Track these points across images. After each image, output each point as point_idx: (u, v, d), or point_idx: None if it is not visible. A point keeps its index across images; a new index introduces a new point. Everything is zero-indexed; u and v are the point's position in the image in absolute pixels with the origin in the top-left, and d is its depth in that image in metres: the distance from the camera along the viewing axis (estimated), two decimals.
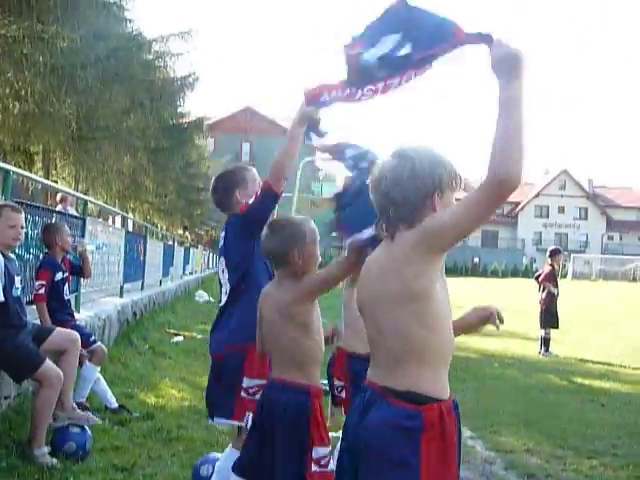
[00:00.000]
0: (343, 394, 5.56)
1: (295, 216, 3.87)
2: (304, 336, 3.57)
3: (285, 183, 4.25)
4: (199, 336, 14.18)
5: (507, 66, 2.43)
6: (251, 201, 4.32)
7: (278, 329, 3.62)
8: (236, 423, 4.22)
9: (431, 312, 2.63)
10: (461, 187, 2.76)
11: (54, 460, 5.49)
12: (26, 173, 10.08)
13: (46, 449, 5.55)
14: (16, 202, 6.73)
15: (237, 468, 3.73)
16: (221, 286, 4.54)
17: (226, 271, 4.46)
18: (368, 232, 3.09)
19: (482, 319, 3.38)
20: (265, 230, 3.72)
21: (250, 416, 3.85)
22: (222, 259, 4.53)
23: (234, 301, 4.36)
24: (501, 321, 3.33)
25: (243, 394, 4.09)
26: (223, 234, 4.56)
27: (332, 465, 3.49)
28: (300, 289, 3.55)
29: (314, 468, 3.45)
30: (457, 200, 2.64)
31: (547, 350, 14.44)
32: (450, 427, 2.64)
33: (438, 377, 2.69)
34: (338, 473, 2.88)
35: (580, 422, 8.17)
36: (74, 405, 6.26)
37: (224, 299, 4.46)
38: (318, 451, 3.47)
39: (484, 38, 2.54)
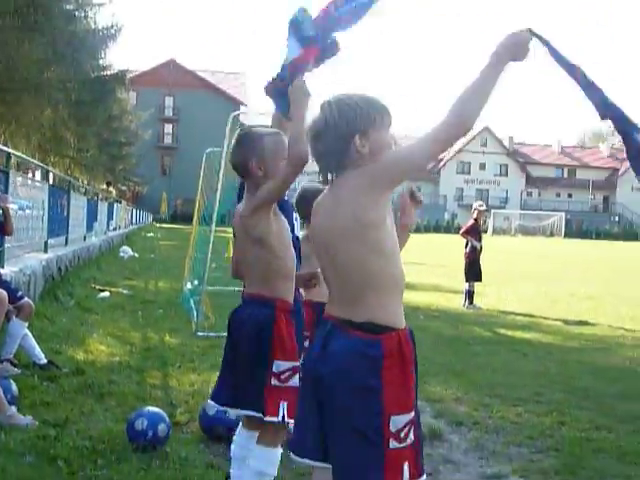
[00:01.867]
0: (307, 343, 5.53)
1: (259, 129, 3.78)
2: (263, 250, 3.54)
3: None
4: (125, 291, 14.06)
5: (511, 52, 2.68)
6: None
7: (242, 244, 3.63)
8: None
9: (383, 241, 2.71)
10: (390, 122, 2.83)
11: (29, 418, 5.43)
12: None
13: (14, 408, 5.48)
14: None
15: (215, 398, 3.74)
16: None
17: None
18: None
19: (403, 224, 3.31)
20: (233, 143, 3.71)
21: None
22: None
23: None
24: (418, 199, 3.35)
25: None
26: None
27: (295, 381, 3.49)
28: (254, 200, 3.52)
29: (273, 382, 3.46)
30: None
31: (471, 303, 14.71)
32: (408, 354, 2.73)
33: (394, 307, 2.77)
34: (299, 404, 2.93)
35: (505, 371, 8.37)
36: None
37: None
38: (279, 365, 3.47)
39: None
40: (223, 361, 3.76)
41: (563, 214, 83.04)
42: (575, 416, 6.56)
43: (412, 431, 2.71)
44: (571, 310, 14.67)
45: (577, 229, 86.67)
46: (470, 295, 14.80)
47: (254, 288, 3.62)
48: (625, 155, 2.83)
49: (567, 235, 79.00)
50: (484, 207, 15.67)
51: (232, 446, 3.90)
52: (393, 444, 2.65)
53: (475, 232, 15.17)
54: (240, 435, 3.85)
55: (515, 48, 2.67)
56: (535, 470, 5.15)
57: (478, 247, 14.94)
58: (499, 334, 11.53)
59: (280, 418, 3.48)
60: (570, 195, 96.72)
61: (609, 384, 7.95)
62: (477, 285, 15.04)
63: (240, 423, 3.95)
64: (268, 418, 3.49)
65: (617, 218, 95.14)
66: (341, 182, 2.76)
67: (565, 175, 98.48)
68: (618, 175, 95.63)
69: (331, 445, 2.73)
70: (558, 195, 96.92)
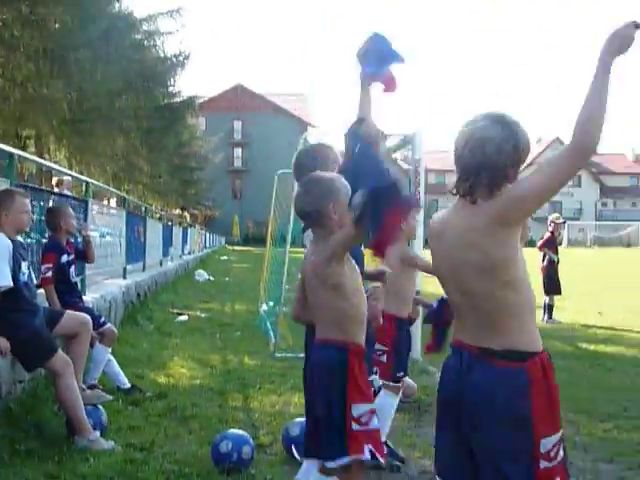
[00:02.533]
0: (384, 358, 5.47)
1: (325, 173, 3.73)
2: (339, 298, 3.50)
3: None
4: (203, 315, 14.20)
5: (620, 45, 2.55)
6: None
7: (315, 291, 3.58)
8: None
9: (514, 277, 2.68)
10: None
11: (111, 442, 5.52)
12: (31, 156, 10.01)
13: (97, 433, 5.56)
14: (20, 186, 6.69)
15: (303, 448, 3.72)
16: None
17: None
18: (358, 197, 3.18)
19: None
20: (298, 189, 3.67)
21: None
22: None
23: None
24: None
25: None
26: None
27: (375, 422, 3.47)
28: (327, 250, 3.47)
29: (355, 427, 3.40)
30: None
31: (550, 317, 14.46)
32: (551, 377, 2.72)
33: (531, 331, 2.74)
34: (438, 432, 2.93)
35: (590, 386, 8.20)
36: (83, 386, 6.27)
37: None
38: (358, 408, 3.43)
39: None
40: (305, 410, 3.74)
41: (639, 224, 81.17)
42: None
43: (561, 448, 2.73)
44: None
45: None
46: (549, 309, 14.55)
47: (326, 333, 3.56)
48: None
49: None
50: (561, 220, 15.44)
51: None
52: (544, 464, 2.66)
53: (552, 245, 14.95)
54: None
55: (620, 44, 2.54)
56: None
57: (556, 260, 14.71)
58: (581, 348, 11.31)
59: (367, 455, 3.43)
60: None
61: None
62: (556, 298, 14.79)
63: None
64: (353, 457, 3.42)
65: None
66: (476, 209, 2.71)
67: None
68: None
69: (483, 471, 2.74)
70: (634, 204, 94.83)
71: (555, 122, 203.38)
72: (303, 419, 5.18)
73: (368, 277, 4.00)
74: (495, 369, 2.66)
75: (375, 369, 5.42)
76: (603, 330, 13.37)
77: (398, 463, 5.34)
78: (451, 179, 2.88)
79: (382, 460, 3.50)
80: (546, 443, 2.66)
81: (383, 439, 5.38)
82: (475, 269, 2.68)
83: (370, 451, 3.43)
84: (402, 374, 5.55)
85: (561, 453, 2.71)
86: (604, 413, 7.01)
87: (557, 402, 2.74)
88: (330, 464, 3.47)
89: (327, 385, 3.46)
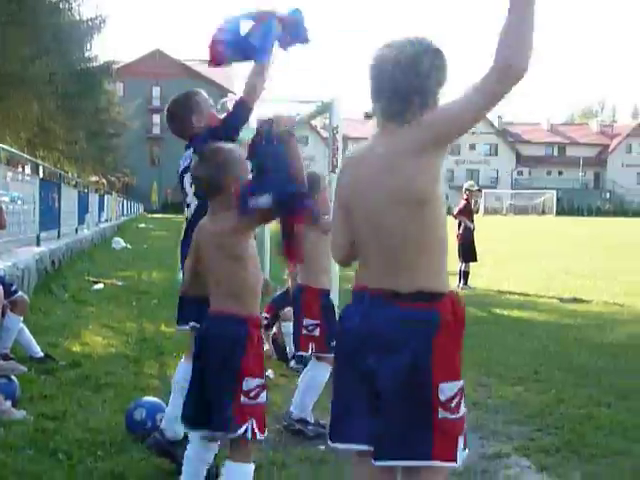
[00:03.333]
0: (317, 332, 5.47)
1: (225, 144, 3.69)
2: (240, 268, 3.46)
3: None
4: (119, 283, 14.01)
5: None
6: (222, 117, 4.54)
7: (214, 262, 3.51)
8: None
9: (433, 211, 2.60)
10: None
11: (22, 412, 5.41)
12: None
13: (8, 403, 5.44)
14: None
15: (184, 418, 3.65)
16: (188, 205, 4.52)
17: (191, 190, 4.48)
18: (264, 200, 3.22)
19: None
20: (196, 158, 3.62)
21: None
22: (185, 184, 4.55)
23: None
24: None
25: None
26: (184, 158, 4.62)
27: (263, 397, 3.46)
28: (233, 221, 3.41)
29: (243, 400, 3.38)
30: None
31: (466, 283, 14.72)
32: (461, 316, 2.66)
33: (443, 270, 2.67)
34: (337, 387, 2.85)
35: (502, 351, 8.38)
36: None
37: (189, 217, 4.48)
38: (248, 382, 3.40)
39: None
40: (192, 380, 3.63)
41: (554, 192, 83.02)
42: (575, 393, 6.56)
43: (463, 404, 2.65)
44: (566, 288, 14.68)
45: (568, 207, 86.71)
46: (465, 276, 14.80)
47: (225, 306, 3.50)
48: None
49: (559, 213, 79.04)
50: (475, 187, 15.67)
51: (186, 454, 3.84)
52: (443, 414, 2.58)
53: (468, 212, 15.17)
54: (194, 447, 3.81)
55: None
56: (536, 448, 5.14)
57: (472, 227, 14.94)
58: (495, 314, 11.54)
59: (248, 433, 3.40)
60: (561, 173, 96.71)
61: (607, 360, 7.96)
62: (472, 266, 15.05)
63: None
64: (237, 433, 3.40)
65: (608, 195, 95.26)
66: (400, 132, 2.62)
67: (555, 153, 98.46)
68: (608, 152, 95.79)
69: (383, 419, 2.63)
70: (549, 173, 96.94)
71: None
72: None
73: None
74: (400, 309, 2.58)
75: (310, 345, 5.44)
76: (516, 296, 13.67)
77: (323, 430, 5.39)
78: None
79: (262, 436, 3.46)
80: (444, 389, 2.58)
81: (310, 408, 5.43)
82: (391, 197, 2.57)
83: (252, 427, 3.40)
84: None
85: (463, 408, 2.65)
86: (515, 377, 7.16)
87: (460, 348, 2.68)
88: (218, 434, 3.55)
89: (225, 358, 3.41)
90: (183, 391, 3.79)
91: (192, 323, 4.22)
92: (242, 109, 4.42)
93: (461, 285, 14.62)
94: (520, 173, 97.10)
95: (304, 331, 5.48)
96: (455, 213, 15.34)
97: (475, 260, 15.01)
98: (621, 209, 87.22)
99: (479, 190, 16.56)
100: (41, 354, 7.12)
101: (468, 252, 14.83)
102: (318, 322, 5.44)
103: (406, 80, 2.61)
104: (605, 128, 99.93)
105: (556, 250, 25.38)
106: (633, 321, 10.89)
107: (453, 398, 2.60)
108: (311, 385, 5.43)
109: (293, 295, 6.00)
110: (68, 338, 8.31)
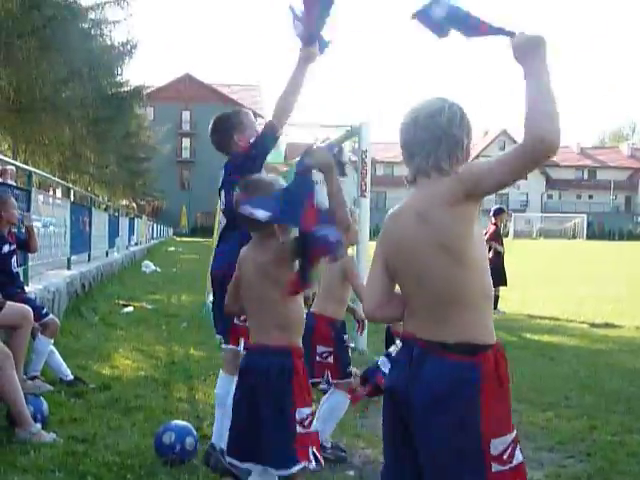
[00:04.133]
0: (330, 359, 5.45)
1: (265, 176, 3.76)
2: (287, 299, 3.45)
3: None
4: (149, 306, 14.08)
5: (527, 49, 2.46)
6: (253, 140, 4.63)
7: (260, 291, 3.51)
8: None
9: (470, 257, 2.59)
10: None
11: (52, 435, 5.43)
12: None
13: (38, 426, 5.46)
14: None
15: (230, 451, 3.63)
16: (220, 224, 4.63)
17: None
18: (263, 213, 3.19)
19: None
20: (238, 192, 3.61)
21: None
22: (221, 197, 4.74)
23: (225, 239, 4.33)
24: None
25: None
26: (222, 172, 4.81)
27: (315, 425, 3.48)
28: (276, 252, 3.43)
29: (298, 429, 3.40)
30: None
31: (495, 308, 14.60)
32: (504, 369, 2.61)
33: (486, 321, 2.64)
34: (385, 427, 2.83)
35: (533, 376, 8.29)
36: (24, 377, 6.18)
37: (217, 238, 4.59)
38: (302, 412, 3.42)
39: (507, 32, 2.56)
40: (235, 413, 3.62)
41: (585, 216, 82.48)
42: (606, 420, 6.49)
43: (518, 450, 2.59)
44: (597, 312, 14.56)
45: (599, 230, 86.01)
46: (495, 300, 14.66)
47: (269, 338, 3.50)
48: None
49: (589, 237, 78.48)
50: (504, 210, 15.60)
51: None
52: (496, 467, 2.53)
53: (497, 237, 15.10)
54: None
55: (527, 44, 2.46)
56: (567, 476, 5.09)
57: (501, 251, 14.86)
58: (525, 338, 11.47)
59: (312, 460, 3.42)
60: (591, 196, 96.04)
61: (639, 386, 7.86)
62: (501, 289, 14.96)
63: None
64: (301, 465, 3.41)
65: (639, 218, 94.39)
66: (431, 185, 2.65)
67: (585, 176, 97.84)
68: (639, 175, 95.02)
69: (429, 472, 2.62)
70: (579, 197, 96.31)
71: (502, 115, 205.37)
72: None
73: None
74: (444, 362, 2.55)
75: (326, 372, 5.42)
76: (547, 320, 13.58)
77: (343, 454, 5.37)
78: (401, 172, 2.84)
79: (322, 463, 3.48)
80: (497, 444, 2.53)
81: (328, 435, 5.42)
82: (431, 246, 2.58)
83: (313, 454, 3.43)
84: (350, 368, 5.56)
85: (518, 456, 2.58)
86: (546, 402, 7.10)
87: (508, 396, 2.62)
88: (282, 472, 3.46)
89: (275, 390, 3.42)
90: (224, 404, 3.98)
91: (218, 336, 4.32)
92: (269, 131, 4.53)
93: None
94: (550, 197, 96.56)
95: (318, 358, 5.46)
96: (486, 238, 15.26)
97: (505, 284, 14.91)
98: None
99: (508, 214, 16.47)
100: (71, 377, 7.16)
101: (498, 276, 14.69)
102: (331, 350, 5.43)
103: (428, 133, 2.66)
104: (636, 151, 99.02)
105: (587, 274, 25.19)
106: None
107: (506, 450, 2.56)
108: (331, 414, 5.41)
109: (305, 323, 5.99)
110: (98, 361, 8.35)
